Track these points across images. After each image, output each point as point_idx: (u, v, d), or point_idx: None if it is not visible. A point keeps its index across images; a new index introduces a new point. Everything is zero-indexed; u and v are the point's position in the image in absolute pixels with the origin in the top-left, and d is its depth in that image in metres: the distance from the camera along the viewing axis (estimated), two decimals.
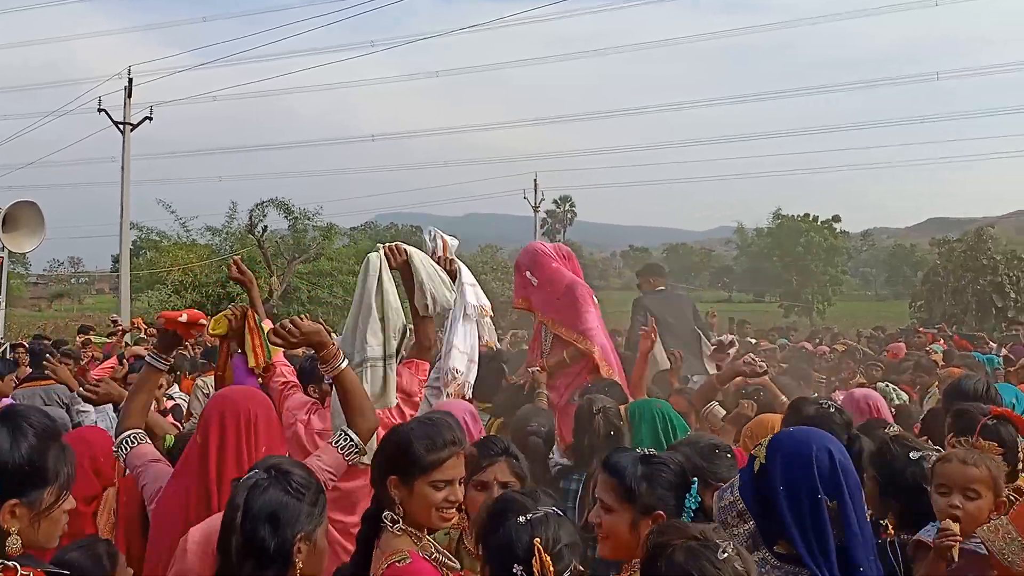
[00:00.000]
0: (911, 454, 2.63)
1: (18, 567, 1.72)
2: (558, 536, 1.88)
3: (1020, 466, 2.93)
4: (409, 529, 2.26)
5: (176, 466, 2.62)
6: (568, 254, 5.20)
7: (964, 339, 12.09)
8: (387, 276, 3.54)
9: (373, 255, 3.59)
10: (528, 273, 5.10)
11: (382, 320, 3.46)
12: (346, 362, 2.76)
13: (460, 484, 2.35)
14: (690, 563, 1.67)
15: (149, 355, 2.99)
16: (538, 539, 1.83)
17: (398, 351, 3.50)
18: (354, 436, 2.66)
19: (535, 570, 1.79)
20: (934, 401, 5.93)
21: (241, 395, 2.65)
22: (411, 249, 3.70)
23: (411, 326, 3.66)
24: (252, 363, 3.71)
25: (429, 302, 3.66)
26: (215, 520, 2.18)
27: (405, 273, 3.64)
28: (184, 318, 3.01)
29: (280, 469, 1.87)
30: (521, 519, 1.90)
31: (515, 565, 1.81)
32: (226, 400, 2.61)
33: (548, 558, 1.80)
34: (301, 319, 2.80)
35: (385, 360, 3.43)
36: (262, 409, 2.59)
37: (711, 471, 2.67)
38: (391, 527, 2.26)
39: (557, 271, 5.02)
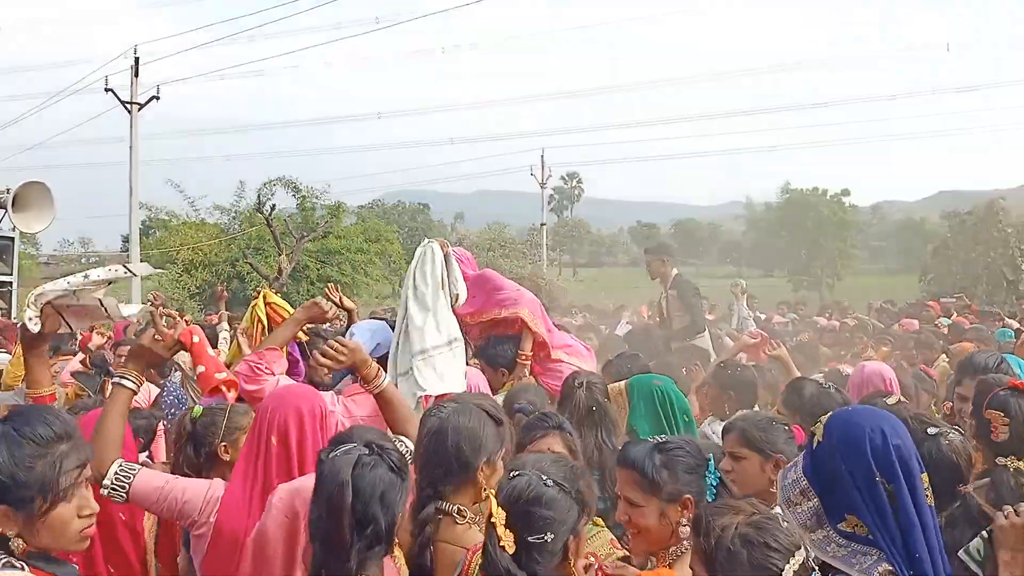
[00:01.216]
0: (928, 430, 2.62)
1: (24, 566, 1.76)
2: (533, 495, 1.86)
3: None
4: (477, 519, 2.28)
5: (239, 470, 2.48)
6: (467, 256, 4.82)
7: (980, 315, 12.04)
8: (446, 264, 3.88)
9: (434, 243, 3.95)
10: None
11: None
12: (388, 379, 2.81)
13: None
14: (763, 535, 1.71)
15: (118, 375, 2.63)
16: (493, 491, 1.85)
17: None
18: (409, 443, 2.64)
19: (486, 520, 1.81)
20: (938, 373, 5.97)
21: (305, 392, 2.65)
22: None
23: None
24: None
25: (451, 298, 3.92)
26: (301, 482, 2.21)
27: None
28: (196, 339, 2.77)
29: (379, 446, 1.86)
30: (512, 473, 1.94)
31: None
32: (297, 397, 2.55)
33: (499, 510, 1.79)
34: (342, 342, 2.83)
35: (452, 343, 3.71)
36: (324, 402, 2.59)
37: (768, 441, 2.74)
38: (459, 520, 2.28)
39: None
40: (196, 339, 2.74)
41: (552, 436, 2.74)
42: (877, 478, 1.93)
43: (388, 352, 3.64)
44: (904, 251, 63.52)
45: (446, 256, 3.90)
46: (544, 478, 1.90)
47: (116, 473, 2.43)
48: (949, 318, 10.78)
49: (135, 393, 2.62)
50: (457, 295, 3.93)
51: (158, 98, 21.95)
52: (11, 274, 12.31)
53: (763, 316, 12.50)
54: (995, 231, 26.94)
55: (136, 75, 21.89)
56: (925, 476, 1.99)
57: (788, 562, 1.70)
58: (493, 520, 1.77)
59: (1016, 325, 9.89)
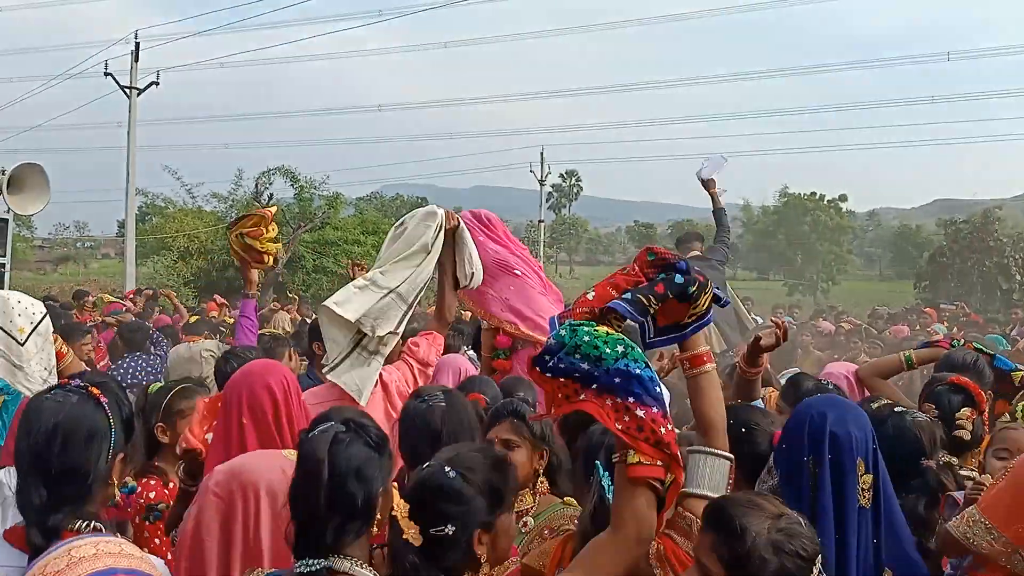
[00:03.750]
0: (896, 408, 2.67)
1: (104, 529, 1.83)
2: (434, 486, 1.89)
3: (963, 433, 2.99)
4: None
5: (213, 453, 2.44)
6: (489, 218, 4.25)
7: (968, 325, 12.07)
8: (441, 237, 3.58)
9: (439, 209, 3.66)
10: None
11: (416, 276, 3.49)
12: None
13: None
14: (794, 542, 1.63)
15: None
16: (395, 484, 1.84)
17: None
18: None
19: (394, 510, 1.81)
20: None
21: (271, 366, 2.59)
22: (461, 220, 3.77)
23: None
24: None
25: (469, 275, 3.74)
26: (240, 461, 2.21)
27: (448, 241, 3.66)
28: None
29: (357, 422, 1.86)
30: (422, 465, 1.98)
31: None
32: (264, 373, 2.50)
33: (402, 502, 1.80)
34: None
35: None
36: (291, 374, 2.55)
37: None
38: None
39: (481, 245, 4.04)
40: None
41: (502, 424, 2.76)
42: (805, 457, 1.97)
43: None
44: (899, 258, 63.69)
45: (460, 229, 3.67)
46: (447, 469, 1.91)
47: None
48: (944, 325, 10.80)
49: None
50: (472, 274, 3.73)
51: (157, 84, 21.89)
52: (4, 256, 12.25)
53: (760, 319, 12.50)
54: (990, 240, 27.07)
55: (136, 60, 21.83)
56: (868, 478, 1.98)
57: (812, 571, 1.63)
58: (395, 512, 1.77)
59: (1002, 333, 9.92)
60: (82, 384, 1.96)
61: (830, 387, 3.35)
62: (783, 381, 4.24)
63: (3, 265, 12.18)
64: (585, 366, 1.72)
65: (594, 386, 1.71)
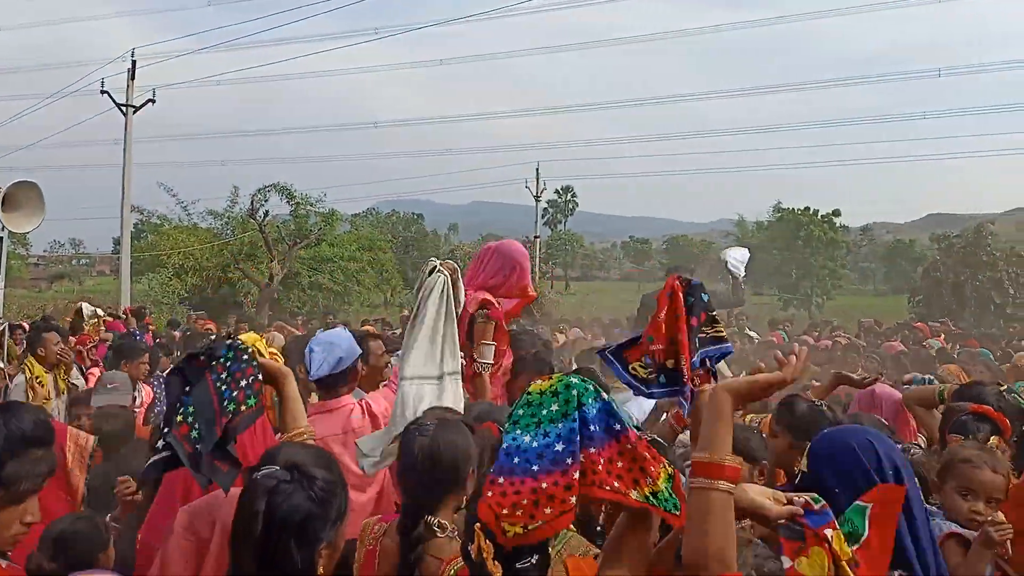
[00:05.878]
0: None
1: None
2: None
3: None
4: (455, 531, 2.27)
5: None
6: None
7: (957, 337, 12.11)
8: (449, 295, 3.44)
9: (445, 273, 3.46)
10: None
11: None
12: None
13: None
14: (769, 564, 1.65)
15: None
16: (478, 524, 1.75)
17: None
18: None
19: (472, 552, 1.74)
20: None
21: None
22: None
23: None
24: None
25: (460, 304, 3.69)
26: (206, 501, 2.20)
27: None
28: None
29: (303, 471, 1.70)
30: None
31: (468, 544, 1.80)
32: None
33: (488, 544, 1.71)
34: None
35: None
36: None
37: (752, 447, 2.95)
38: (441, 533, 2.27)
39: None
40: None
41: None
42: (877, 482, 1.92)
43: (351, 366, 3.49)
44: (893, 273, 63.86)
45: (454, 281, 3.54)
46: None
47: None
48: (939, 341, 10.85)
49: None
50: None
51: (154, 101, 21.93)
52: None
53: (755, 335, 12.52)
54: (983, 255, 27.20)
55: (132, 78, 21.89)
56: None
57: None
58: (485, 555, 1.68)
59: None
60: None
61: (824, 408, 3.29)
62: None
63: None
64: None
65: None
